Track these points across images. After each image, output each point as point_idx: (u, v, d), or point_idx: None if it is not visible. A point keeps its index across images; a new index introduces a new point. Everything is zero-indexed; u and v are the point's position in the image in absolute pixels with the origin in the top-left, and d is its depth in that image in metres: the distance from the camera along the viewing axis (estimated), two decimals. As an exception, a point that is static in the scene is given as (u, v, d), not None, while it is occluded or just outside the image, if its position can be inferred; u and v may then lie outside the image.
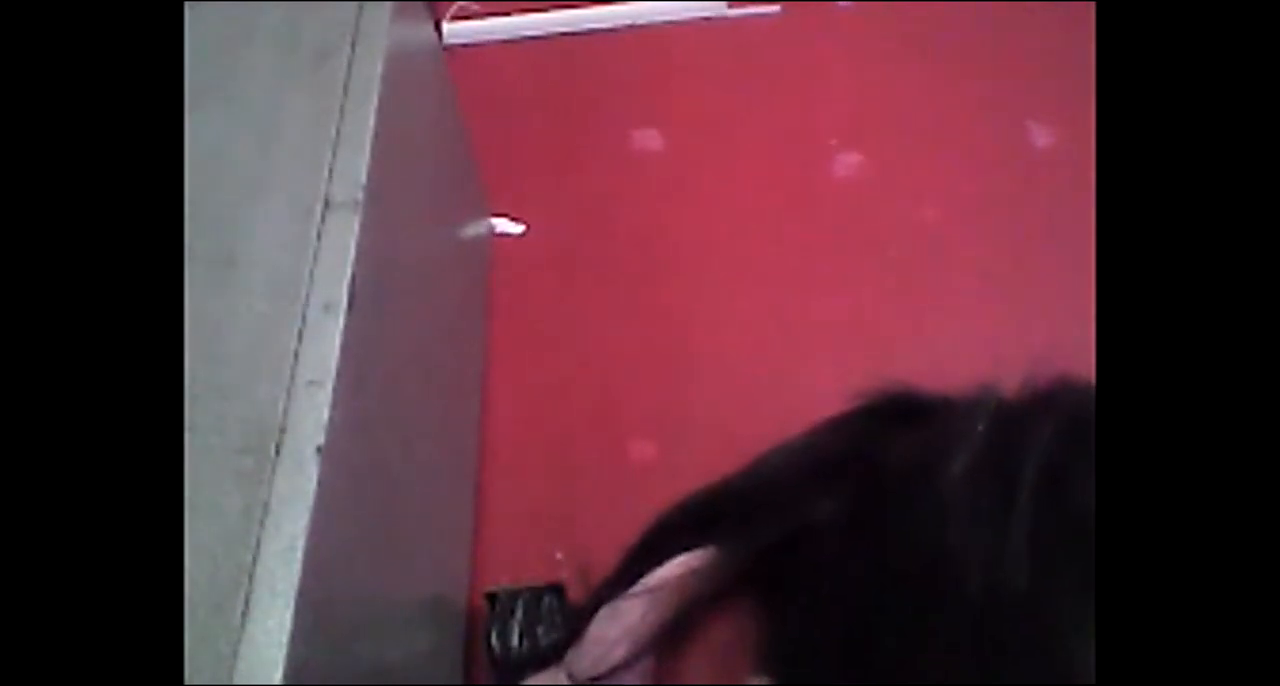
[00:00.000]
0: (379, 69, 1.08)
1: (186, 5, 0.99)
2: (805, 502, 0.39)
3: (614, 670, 0.43)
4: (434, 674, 1.27)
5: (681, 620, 0.42)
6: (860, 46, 2.12)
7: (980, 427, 0.36)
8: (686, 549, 0.43)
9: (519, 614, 1.39)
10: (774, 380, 1.69)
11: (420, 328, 1.28)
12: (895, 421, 0.40)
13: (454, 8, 2.12)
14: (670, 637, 0.43)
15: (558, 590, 1.41)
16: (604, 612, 0.45)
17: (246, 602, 0.76)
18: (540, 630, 1.38)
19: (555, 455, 1.66)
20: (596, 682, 0.44)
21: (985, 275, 1.81)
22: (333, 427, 0.85)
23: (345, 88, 1.06)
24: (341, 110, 1.04)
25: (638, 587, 0.44)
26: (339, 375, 0.88)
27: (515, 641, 1.37)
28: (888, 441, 0.39)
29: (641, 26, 2.13)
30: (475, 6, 2.14)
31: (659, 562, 0.44)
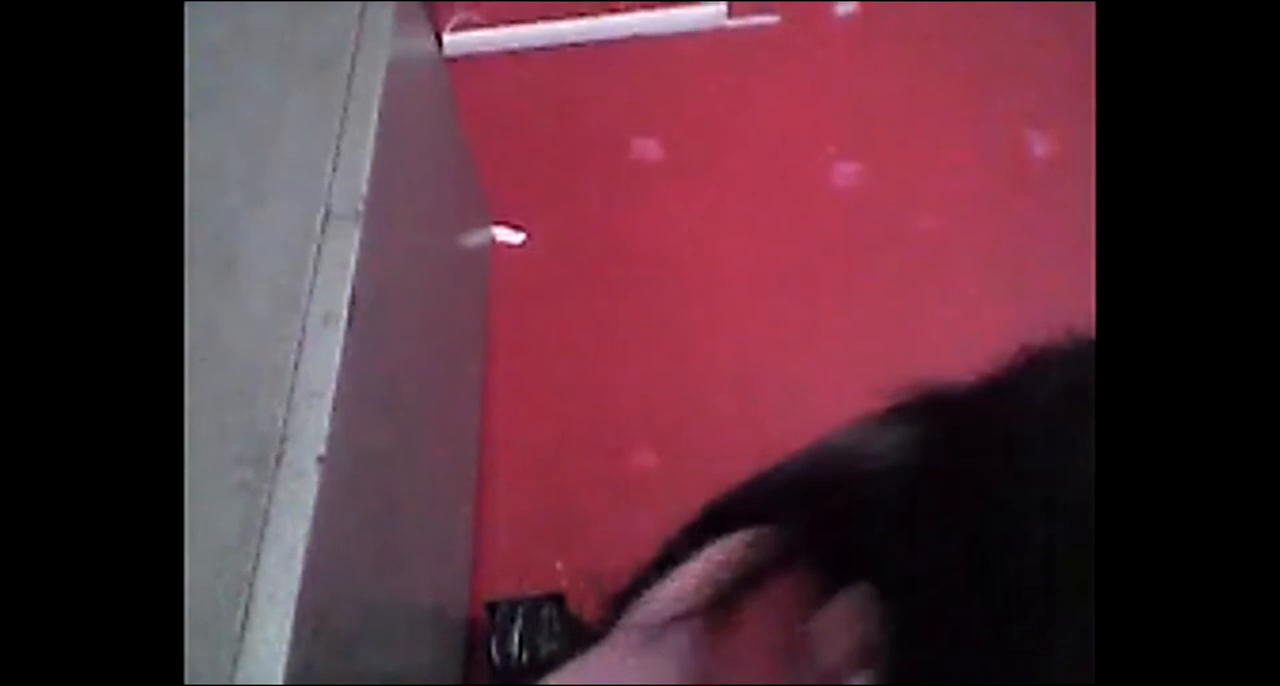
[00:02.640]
0: (379, 79, 1.08)
1: (186, 11, 0.99)
2: (869, 463, 0.38)
3: (667, 623, 0.43)
4: (434, 683, 1.26)
5: (736, 590, 0.42)
6: (858, 56, 2.13)
7: (1056, 372, 0.36)
8: (744, 528, 0.43)
9: (519, 624, 1.39)
10: (774, 389, 1.69)
11: (420, 338, 1.28)
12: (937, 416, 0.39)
13: (455, 18, 2.13)
14: (723, 605, 0.42)
15: (557, 600, 1.41)
16: (670, 574, 0.45)
17: (246, 612, 0.76)
18: (540, 640, 1.37)
19: (555, 465, 1.66)
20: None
21: (984, 284, 1.81)
22: (333, 438, 0.85)
23: (346, 98, 1.06)
24: (342, 121, 1.04)
25: (697, 558, 0.44)
26: (339, 386, 0.88)
27: (515, 651, 1.37)
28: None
29: (641, 37, 2.14)
30: (476, 17, 2.14)
31: (711, 542, 0.43)
